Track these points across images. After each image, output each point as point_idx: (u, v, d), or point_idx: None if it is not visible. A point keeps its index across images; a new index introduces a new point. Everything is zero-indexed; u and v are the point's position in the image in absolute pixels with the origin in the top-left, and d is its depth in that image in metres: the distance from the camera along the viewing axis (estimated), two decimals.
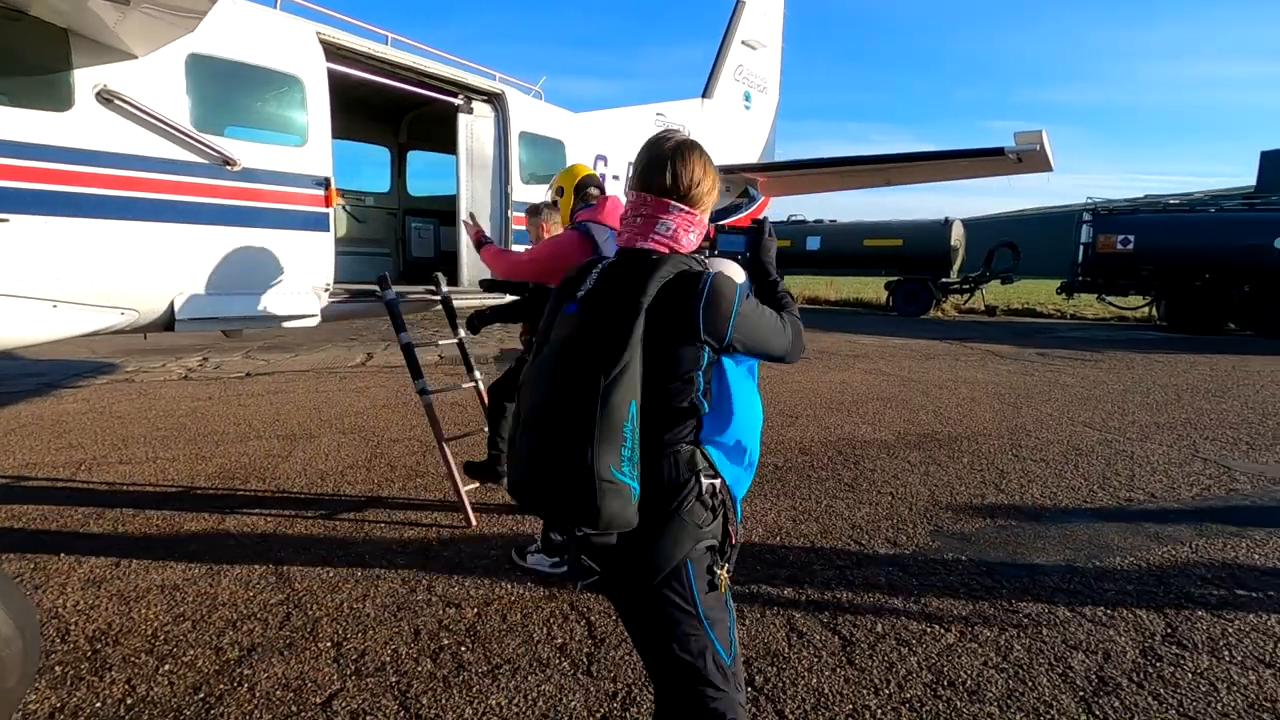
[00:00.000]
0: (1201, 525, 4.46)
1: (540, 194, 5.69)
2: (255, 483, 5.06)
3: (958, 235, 21.74)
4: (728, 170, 8.72)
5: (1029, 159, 6.80)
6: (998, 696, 2.67)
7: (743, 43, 9.26)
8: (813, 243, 23.44)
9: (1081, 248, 19.16)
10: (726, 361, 1.62)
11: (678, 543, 1.52)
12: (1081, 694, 2.68)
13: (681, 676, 1.56)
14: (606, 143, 6.64)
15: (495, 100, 5.52)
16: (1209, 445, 6.44)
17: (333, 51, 4.44)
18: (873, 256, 22.80)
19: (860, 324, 18.91)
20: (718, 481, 1.58)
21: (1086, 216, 19.25)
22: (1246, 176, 32.93)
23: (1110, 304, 19.99)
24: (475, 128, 5.38)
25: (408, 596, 3.38)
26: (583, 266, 1.64)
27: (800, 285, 29.32)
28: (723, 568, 1.60)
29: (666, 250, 1.58)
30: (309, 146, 4.20)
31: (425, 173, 7.19)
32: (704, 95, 8.94)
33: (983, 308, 23.18)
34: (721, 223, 1.92)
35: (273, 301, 4.08)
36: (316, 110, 4.21)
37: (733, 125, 9.22)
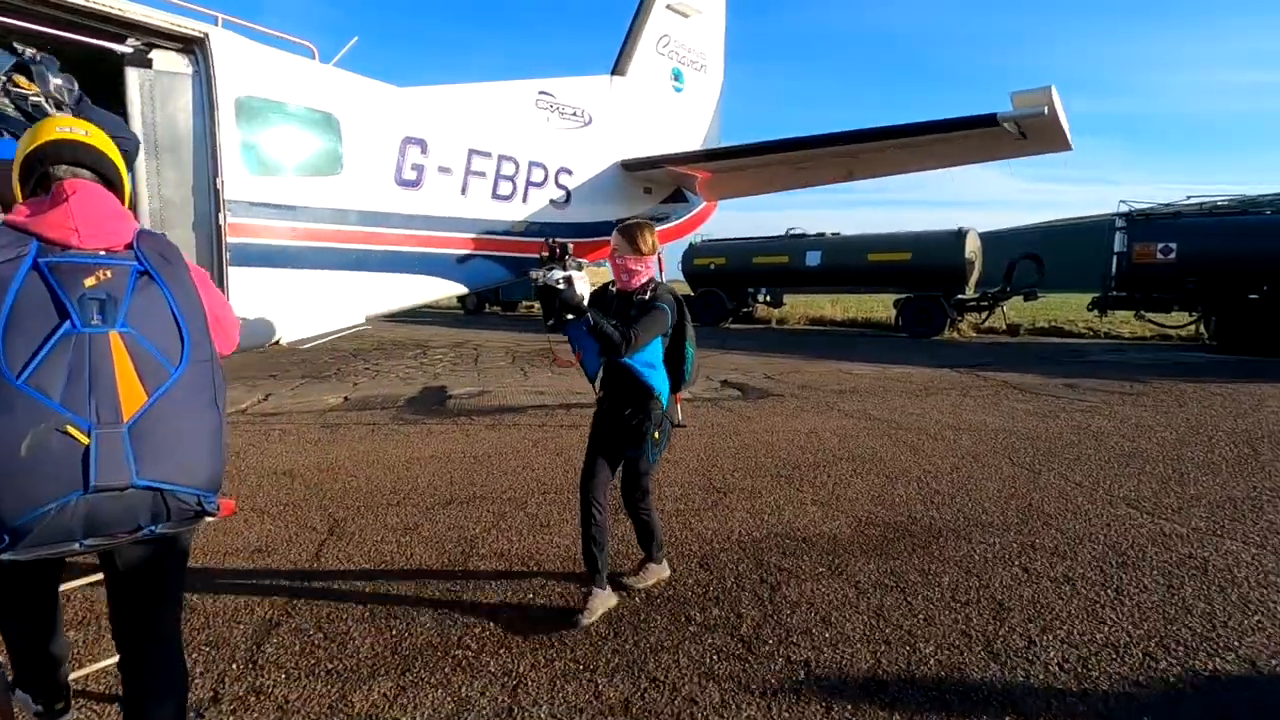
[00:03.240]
0: None
1: (292, 191, 3.88)
2: None
3: (973, 247, 19.59)
4: (651, 164, 6.85)
5: (1035, 130, 4.80)
6: None
7: (668, 7, 7.39)
8: (813, 258, 21.45)
9: (1115, 258, 16.96)
10: None
11: None
12: None
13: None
14: (432, 125, 4.77)
15: (194, 48, 3.69)
16: None
17: None
18: (878, 272, 20.73)
19: (862, 349, 16.78)
20: None
21: (1120, 223, 17.03)
22: None
23: (1150, 321, 17.64)
24: (157, 89, 3.57)
25: None
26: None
27: (802, 305, 27.19)
28: None
29: None
30: None
31: None
32: (614, 72, 7.01)
33: (1004, 327, 20.87)
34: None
35: None
36: None
37: (658, 110, 7.27)
